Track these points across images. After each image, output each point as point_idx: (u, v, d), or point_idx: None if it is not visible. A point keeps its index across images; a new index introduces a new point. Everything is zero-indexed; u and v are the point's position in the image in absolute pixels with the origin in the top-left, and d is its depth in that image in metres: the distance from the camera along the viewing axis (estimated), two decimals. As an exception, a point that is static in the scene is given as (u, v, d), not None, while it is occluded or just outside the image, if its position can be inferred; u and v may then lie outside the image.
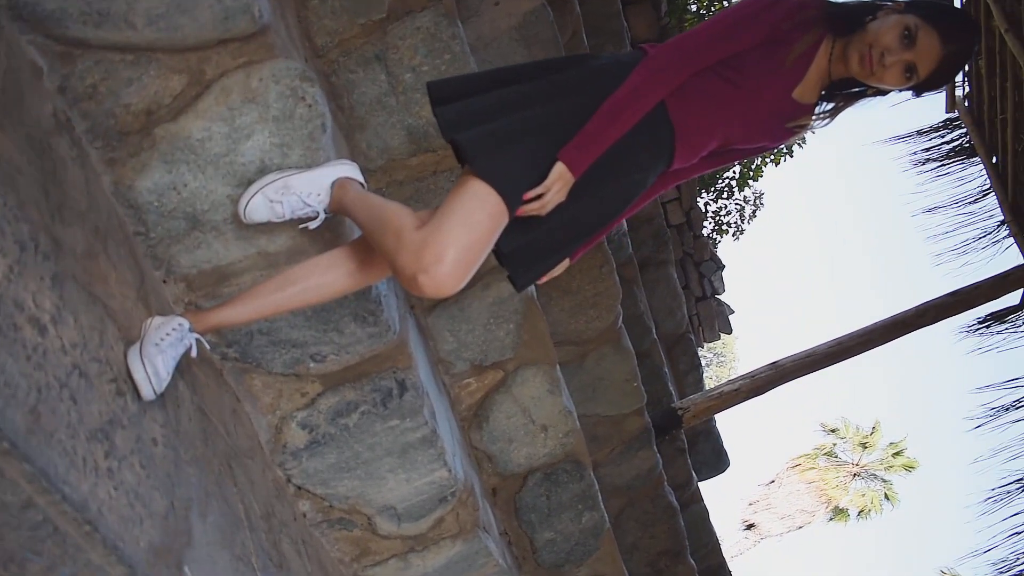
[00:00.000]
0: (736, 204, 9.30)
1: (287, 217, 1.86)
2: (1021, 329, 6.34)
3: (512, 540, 3.51)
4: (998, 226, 6.71)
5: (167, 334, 1.67)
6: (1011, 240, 6.52)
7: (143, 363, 1.59)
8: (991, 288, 5.42)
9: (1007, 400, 6.26)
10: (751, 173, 8.90)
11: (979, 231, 6.80)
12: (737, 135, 1.91)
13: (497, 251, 1.81)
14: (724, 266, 7.96)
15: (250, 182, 1.88)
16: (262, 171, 1.90)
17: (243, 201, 1.85)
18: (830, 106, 1.98)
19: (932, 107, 7.32)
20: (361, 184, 1.90)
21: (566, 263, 2.00)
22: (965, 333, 6.55)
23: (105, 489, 1.41)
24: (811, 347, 5.47)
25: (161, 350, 1.64)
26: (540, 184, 1.70)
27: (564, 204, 1.76)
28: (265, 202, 1.84)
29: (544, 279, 1.99)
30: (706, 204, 9.02)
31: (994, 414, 6.27)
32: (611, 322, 4.11)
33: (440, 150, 2.67)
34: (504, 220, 1.65)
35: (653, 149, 1.85)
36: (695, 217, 7.62)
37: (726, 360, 33.91)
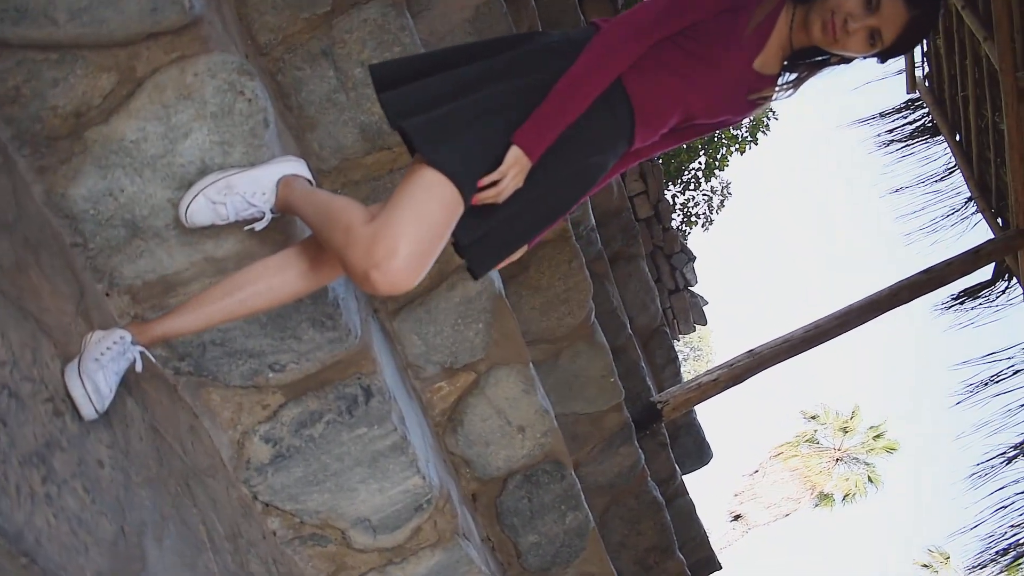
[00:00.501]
0: (704, 195, 9.25)
1: (232, 219, 1.76)
2: (995, 303, 6.34)
3: (495, 546, 3.41)
4: (965, 203, 6.73)
5: (107, 348, 1.56)
6: (979, 216, 6.54)
7: (82, 380, 1.48)
8: (963, 264, 5.39)
9: (986, 375, 6.26)
10: (717, 163, 8.85)
11: (947, 208, 6.82)
12: (698, 109, 1.83)
13: (455, 242, 1.72)
14: (695, 257, 7.89)
15: (190, 184, 1.78)
16: (203, 171, 1.79)
17: (184, 204, 1.75)
18: (793, 76, 1.91)
19: (893, 88, 7.33)
20: (309, 181, 1.80)
21: (524, 248, 1.92)
22: (940, 310, 6.55)
23: (43, 517, 1.31)
24: (787, 333, 5.42)
25: (102, 365, 1.53)
26: (495, 170, 1.62)
27: (521, 189, 1.67)
28: (208, 204, 1.74)
29: (502, 264, 1.90)
30: (674, 196, 8.95)
31: (974, 389, 6.26)
32: (583, 318, 4.03)
33: (396, 147, 2.57)
34: (459, 209, 1.56)
35: (612, 128, 1.76)
36: (663, 210, 7.54)
37: (703, 354, 34.04)
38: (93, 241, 1.82)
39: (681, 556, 4.80)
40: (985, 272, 6.21)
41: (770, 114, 9.14)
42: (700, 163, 8.91)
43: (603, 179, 1.92)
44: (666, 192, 8.71)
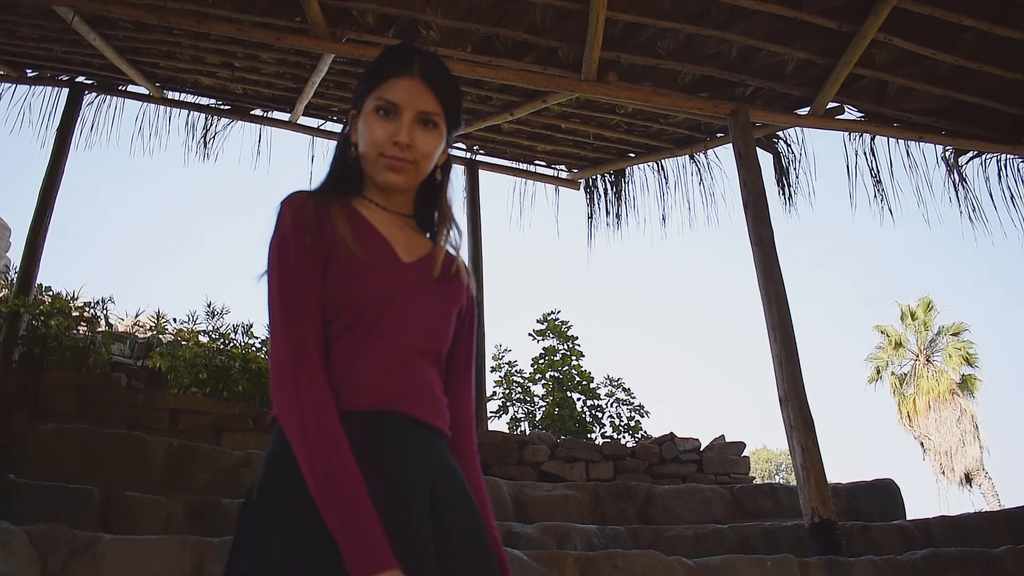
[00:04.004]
0: (611, 407, 8.89)
1: None
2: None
3: None
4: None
5: None
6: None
7: None
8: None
9: (805, 186, 6.22)
10: (580, 381, 8.60)
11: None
12: (420, 343, 1.46)
13: None
14: (672, 433, 7.46)
15: None
16: None
17: None
18: (437, 229, 1.62)
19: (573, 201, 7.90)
20: None
21: None
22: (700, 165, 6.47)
23: None
24: (773, 355, 5.02)
25: None
26: None
27: None
28: None
29: None
30: (602, 436, 8.53)
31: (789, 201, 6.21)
32: (683, 569, 3.43)
33: None
34: None
35: (406, 450, 1.35)
36: (612, 449, 7.12)
37: (790, 469, 33.48)
38: None
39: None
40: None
41: (556, 314, 9.17)
42: (579, 399, 8.63)
43: (476, 484, 1.48)
44: (596, 440, 8.30)
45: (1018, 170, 6.39)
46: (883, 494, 6.03)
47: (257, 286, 1.43)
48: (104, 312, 7.08)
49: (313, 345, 1.34)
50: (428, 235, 1.61)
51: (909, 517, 5.66)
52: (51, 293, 6.97)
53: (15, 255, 6.78)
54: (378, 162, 1.49)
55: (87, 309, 6.91)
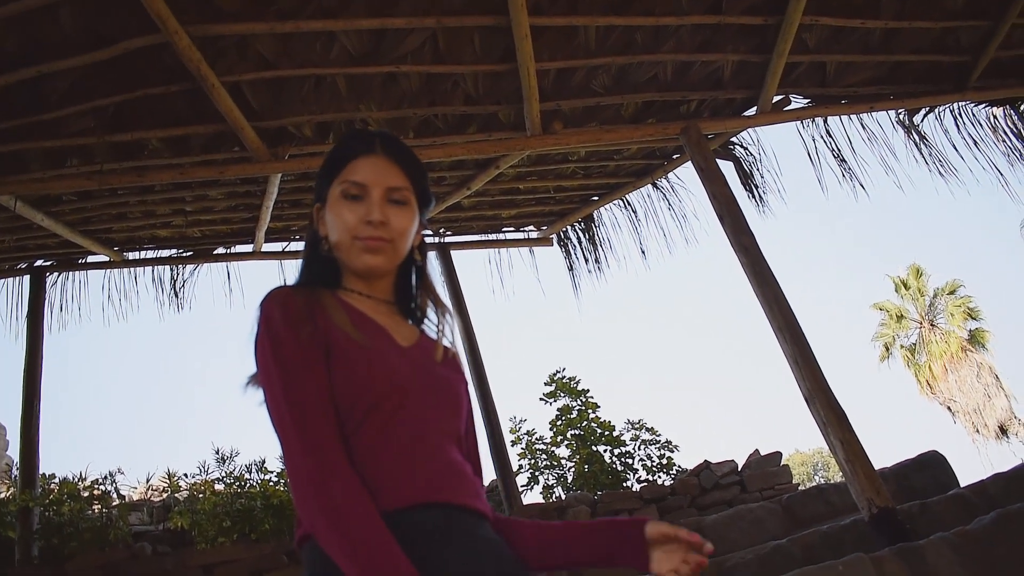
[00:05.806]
0: (639, 450, 8.73)
1: None
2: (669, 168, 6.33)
3: None
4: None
5: None
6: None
7: None
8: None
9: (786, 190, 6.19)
10: (604, 435, 8.45)
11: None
12: (441, 426, 1.38)
13: None
14: (706, 461, 7.34)
15: None
16: None
17: None
18: (426, 313, 1.56)
19: (549, 258, 7.95)
20: None
21: None
22: (665, 194, 6.45)
23: None
24: (788, 364, 4.94)
25: None
26: None
27: None
28: None
29: None
30: (637, 481, 8.37)
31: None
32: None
33: None
34: None
35: (456, 542, 1.26)
36: (652, 493, 6.99)
37: (828, 466, 33.72)
38: None
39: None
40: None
41: (562, 372, 9.07)
42: (605, 450, 8.48)
43: (530, 526, 1.42)
44: (633, 488, 8.13)
45: (973, 115, 6.42)
46: (931, 467, 5.91)
47: (247, 397, 1.34)
48: (114, 485, 6.92)
49: (334, 444, 1.24)
50: (410, 321, 1.55)
51: (962, 484, 5.53)
52: (57, 480, 6.82)
53: (14, 452, 6.63)
54: (353, 247, 1.44)
55: (96, 487, 6.74)
